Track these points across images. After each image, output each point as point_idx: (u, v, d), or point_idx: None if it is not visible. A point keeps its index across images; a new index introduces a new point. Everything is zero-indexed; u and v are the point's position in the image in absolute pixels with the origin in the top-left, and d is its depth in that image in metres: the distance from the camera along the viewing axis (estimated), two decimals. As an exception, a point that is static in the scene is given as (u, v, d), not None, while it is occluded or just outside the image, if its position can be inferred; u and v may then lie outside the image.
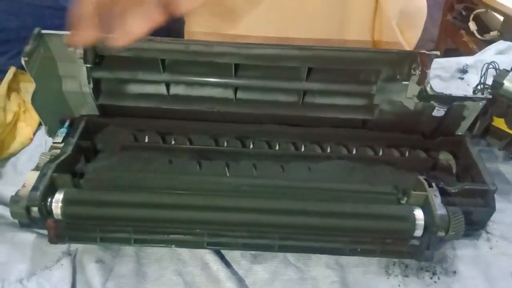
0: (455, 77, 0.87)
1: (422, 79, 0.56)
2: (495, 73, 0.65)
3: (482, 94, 0.66)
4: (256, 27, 0.72)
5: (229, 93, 0.64)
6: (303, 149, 0.63)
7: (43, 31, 0.56)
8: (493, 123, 0.67)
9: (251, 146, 0.63)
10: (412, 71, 0.57)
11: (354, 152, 0.63)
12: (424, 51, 0.56)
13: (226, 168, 0.58)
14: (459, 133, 0.65)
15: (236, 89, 0.64)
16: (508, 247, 0.58)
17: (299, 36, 0.71)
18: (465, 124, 0.64)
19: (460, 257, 0.57)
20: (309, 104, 0.64)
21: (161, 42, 0.58)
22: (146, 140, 0.62)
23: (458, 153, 0.64)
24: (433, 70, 0.56)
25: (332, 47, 0.58)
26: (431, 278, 0.55)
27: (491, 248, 0.58)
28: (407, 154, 0.63)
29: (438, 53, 0.56)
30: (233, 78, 0.62)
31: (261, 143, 0.63)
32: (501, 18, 1.50)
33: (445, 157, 0.64)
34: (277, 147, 0.63)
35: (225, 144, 0.63)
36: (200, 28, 0.78)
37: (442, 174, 0.62)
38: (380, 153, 0.63)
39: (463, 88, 0.85)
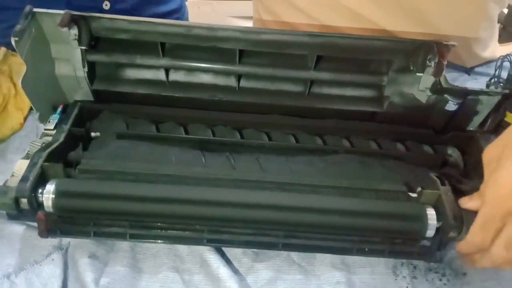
0: (462, 69, 0.84)
1: (439, 71, 0.53)
2: (510, 67, 0.63)
3: (496, 88, 0.63)
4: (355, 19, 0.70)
5: (232, 81, 0.61)
6: (308, 142, 0.60)
7: (35, 9, 0.53)
8: (506, 119, 0.64)
9: (254, 137, 0.60)
10: (427, 62, 0.54)
11: (362, 146, 0.60)
12: (441, 41, 0.53)
13: (230, 161, 0.55)
14: (471, 129, 0.63)
15: (239, 76, 0.60)
16: (520, 248, 0.56)
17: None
18: (477, 119, 0.61)
19: (470, 258, 0.55)
20: (316, 94, 0.61)
21: (161, 25, 0.54)
22: (144, 128, 0.59)
23: (469, 149, 0.62)
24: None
25: (343, 34, 0.55)
26: (440, 280, 0.53)
27: (502, 249, 0.56)
28: (417, 149, 0.60)
29: (455, 44, 0.53)
30: (236, 65, 0.58)
31: (265, 135, 0.60)
32: (505, 10, 1.46)
33: (451, 152, 0.62)
34: (281, 139, 0.60)
35: (227, 135, 0.60)
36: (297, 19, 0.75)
37: (452, 171, 0.60)
38: (390, 147, 0.60)
39: (469, 79, 0.82)
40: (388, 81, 0.59)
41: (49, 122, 0.57)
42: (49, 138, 0.55)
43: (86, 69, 0.57)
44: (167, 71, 0.60)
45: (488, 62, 0.83)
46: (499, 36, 0.93)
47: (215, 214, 0.49)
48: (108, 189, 0.49)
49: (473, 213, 0.48)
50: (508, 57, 0.65)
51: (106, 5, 0.84)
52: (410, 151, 0.60)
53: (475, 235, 0.46)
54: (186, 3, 1.64)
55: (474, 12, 0.73)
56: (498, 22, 1.57)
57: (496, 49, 0.86)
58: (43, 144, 0.53)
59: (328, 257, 0.54)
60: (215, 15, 1.67)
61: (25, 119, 0.68)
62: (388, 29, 0.71)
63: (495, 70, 0.64)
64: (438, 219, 0.49)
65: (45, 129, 0.56)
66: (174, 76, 0.61)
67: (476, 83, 0.80)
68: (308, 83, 0.60)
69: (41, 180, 0.48)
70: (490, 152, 0.46)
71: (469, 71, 0.83)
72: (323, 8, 0.72)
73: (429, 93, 0.57)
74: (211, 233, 0.50)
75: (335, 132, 0.61)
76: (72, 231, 0.50)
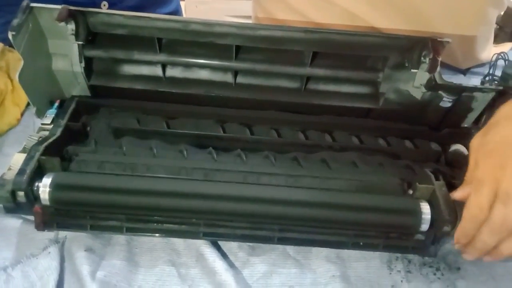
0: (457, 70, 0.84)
1: (433, 67, 0.53)
2: (504, 65, 0.63)
3: (491, 85, 0.64)
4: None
5: (229, 77, 0.61)
6: (303, 137, 0.60)
7: (33, 4, 0.53)
8: (500, 116, 0.64)
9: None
10: (422, 58, 0.55)
11: (357, 142, 0.60)
12: (435, 37, 0.53)
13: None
14: (466, 125, 0.63)
15: (236, 72, 0.61)
16: (513, 243, 0.56)
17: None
18: (472, 116, 0.62)
19: (463, 253, 0.55)
20: (312, 90, 0.62)
21: (158, 20, 0.55)
22: (139, 123, 0.59)
23: (464, 145, 0.62)
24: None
25: (339, 31, 0.56)
26: (434, 274, 0.53)
27: (496, 244, 0.56)
28: (412, 145, 0.61)
29: (450, 40, 0.53)
30: (233, 61, 0.59)
31: (259, 130, 0.60)
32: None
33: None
34: (276, 135, 0.60)
35: (222, 130, 0.60)
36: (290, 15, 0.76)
37: (446, 167, 0.60)
38: (385, 144, 0.60)
39: (464, 79, 0.83)
40: (383, 77, 0.59)
41: (46, 116, 0.58)
42: (46, 133, 0.55)
43: (83, 64, 0.58)
44: (164, 67, 0.60)
45: (484, 63, 0.84)
46: (496, 36, 0.93)
47: (212, 207, 0.49)
48: (104, 183, 0.49)
49: None
50: (503, 55, 0.65)
51: (105, 5, 0.85)
52: (407, 147, 0.60)
53: (471, 209, 0.46)
54: (185, 2, 1.64)
55: (472, 12, 0.73)
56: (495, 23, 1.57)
57: (492, 50, 0.87)
58: (40, 138, 0.53)
59: (324, 251, 0.54)
60: (213, 14, 1.67)
61: (22, 114, 0.68)
62: (384, 29, 0.71)
63: (490, 68, 0.65)
64: (432, 214, 0.49)
65: (42, 124, 0.57)
66: (171, 72, 0.61)
67: (471, 82, 0.81)
68: (304, 79, 0.61)
69: (38, 173, 0.48)
70: (477, 139, 0.48)
71: (464, 71, 0.84)
72: (320, 10, 0.73)
73: (424, 89, 0.58)
74: (208, 226, 0.51)
75: (330, 128, 0.62)
76: (69, 224, 0.51)
